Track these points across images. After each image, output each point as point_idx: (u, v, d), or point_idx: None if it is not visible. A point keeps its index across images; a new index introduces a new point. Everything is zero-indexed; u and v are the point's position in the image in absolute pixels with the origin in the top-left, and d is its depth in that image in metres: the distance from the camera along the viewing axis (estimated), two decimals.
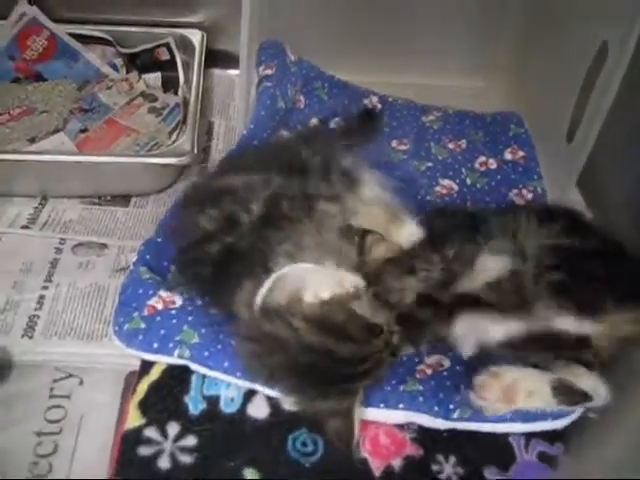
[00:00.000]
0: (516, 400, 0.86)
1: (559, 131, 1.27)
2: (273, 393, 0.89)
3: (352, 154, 1.10)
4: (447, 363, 0.96)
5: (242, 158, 1.12)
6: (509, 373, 0.87)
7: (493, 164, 1.34)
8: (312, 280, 0.83)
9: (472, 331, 0.92)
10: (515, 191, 1.28)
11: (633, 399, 0.46)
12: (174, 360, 0.91)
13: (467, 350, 0.94)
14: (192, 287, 0.98)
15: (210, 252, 0.93)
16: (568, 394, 0.86)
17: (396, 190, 1.07)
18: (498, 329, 0.90)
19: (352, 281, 0.85)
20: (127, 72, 1.47)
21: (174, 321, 0.93)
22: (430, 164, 1.33)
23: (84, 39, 1.46)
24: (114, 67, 1.47)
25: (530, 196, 1.27)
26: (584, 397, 0.86)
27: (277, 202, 0.94)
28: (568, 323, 0.88)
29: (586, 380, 0.87)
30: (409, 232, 0.99)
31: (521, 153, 1.36)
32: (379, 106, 1.44)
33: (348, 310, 0.82)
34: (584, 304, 0.88)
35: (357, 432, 0.83)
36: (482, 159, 1.35)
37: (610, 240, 0.97)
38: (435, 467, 0.87)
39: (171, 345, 0.91)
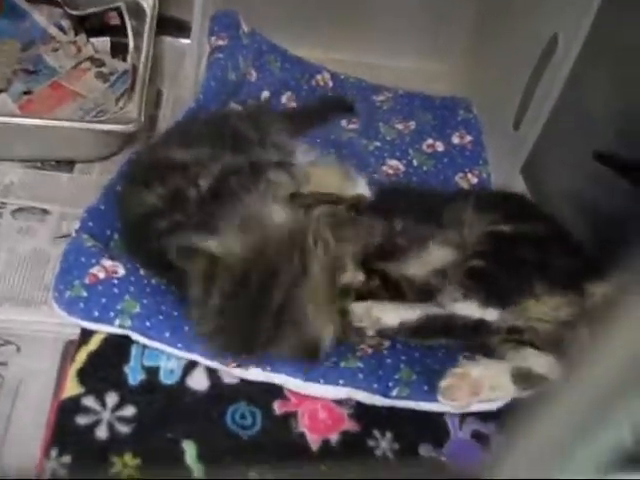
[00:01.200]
0: (480, 394, 0.88)
1: (506, 118, 1.29)
2: (213, 364, 0.90)
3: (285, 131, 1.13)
4: (387, 343, 0.97)
5: (189, 131, 1.11)
6: (472, 370, 0.88)
7: (440, 147, 1.35)
8: None
9: (368, 315, 0.94)
10: (461, 175, 1.30)
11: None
12: (115, 329, 0.90)
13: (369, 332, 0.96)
14: (136, 260, 0.97)
15: (159, 228, 0.92)
16: (527, 380, 0.88)
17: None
18: (392, 316, 0.93)
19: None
20: (75, 35, 1.44)
21: (116, 290, 0.92)
22: (378, 144, 1.34)
23: None
24: (61, 29, 1.43)
25: (475, 180, 1.30)
26: (542, 379, 0.88)
27: (226, 177, 0.94)
28: (469, 309, 0.90)
29: (537, 360, 0.89)
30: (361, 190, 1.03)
31: (468, 138, 1.38)
32: (330, 83, 1.44)
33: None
34: (494, 291, 0.91)
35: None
36: (430, 141, 1.36)
37: (553, 224, 1.01)
38: (371, 442, 0.88)
39: (112, 314, 0.90)
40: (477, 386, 0.87)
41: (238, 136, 1.05)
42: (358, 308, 0.93)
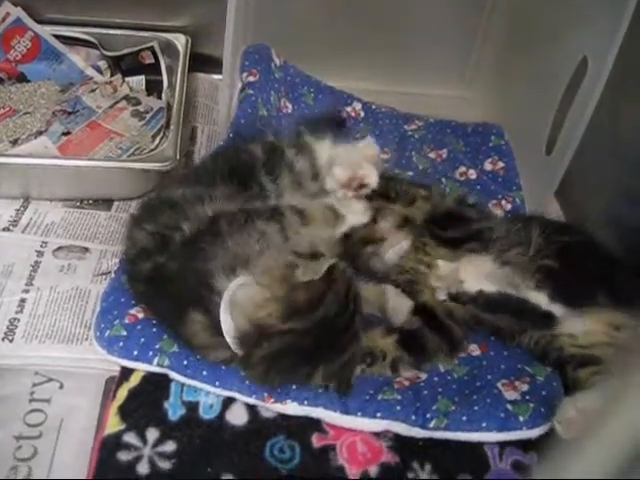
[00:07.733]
0: None
1: (538, 143, 1.29)
2: (251, 400, 0.91)
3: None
4: (424, 376, 0.97)
5: (196, 168, 1.11)
6: (590, 403, 0.86)
7: (473, 174, 1.35)
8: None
9: (453, 276, 0.97)
10: (494, 201, 1.30)
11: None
12: (154, 368, 0.92)
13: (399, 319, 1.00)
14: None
15: (143, 270, 0.94)
16: None
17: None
18: (474, 283, 0.97)
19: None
20: (111, 75, 1.48)
21: (154, 330, 0.94)
22: (411, 173, 1.34)
23: (68, 41, 1.46)
24: (98, 70, 1.48)
25: (509, 206, 1.29)
26: None
27: (216, 222, 0.92)
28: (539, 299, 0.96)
29: None
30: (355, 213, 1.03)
31: (501, 164, 1.38)
32: (362, 114, 1.45)
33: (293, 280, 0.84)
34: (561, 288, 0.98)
35: None
36: (462, 169, 1.36)
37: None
38: (410, 475, 0.88)
39: (151, 353, 0.92)
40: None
41: (243, 162, 1.05)
42: (445, 266, 0.96)
